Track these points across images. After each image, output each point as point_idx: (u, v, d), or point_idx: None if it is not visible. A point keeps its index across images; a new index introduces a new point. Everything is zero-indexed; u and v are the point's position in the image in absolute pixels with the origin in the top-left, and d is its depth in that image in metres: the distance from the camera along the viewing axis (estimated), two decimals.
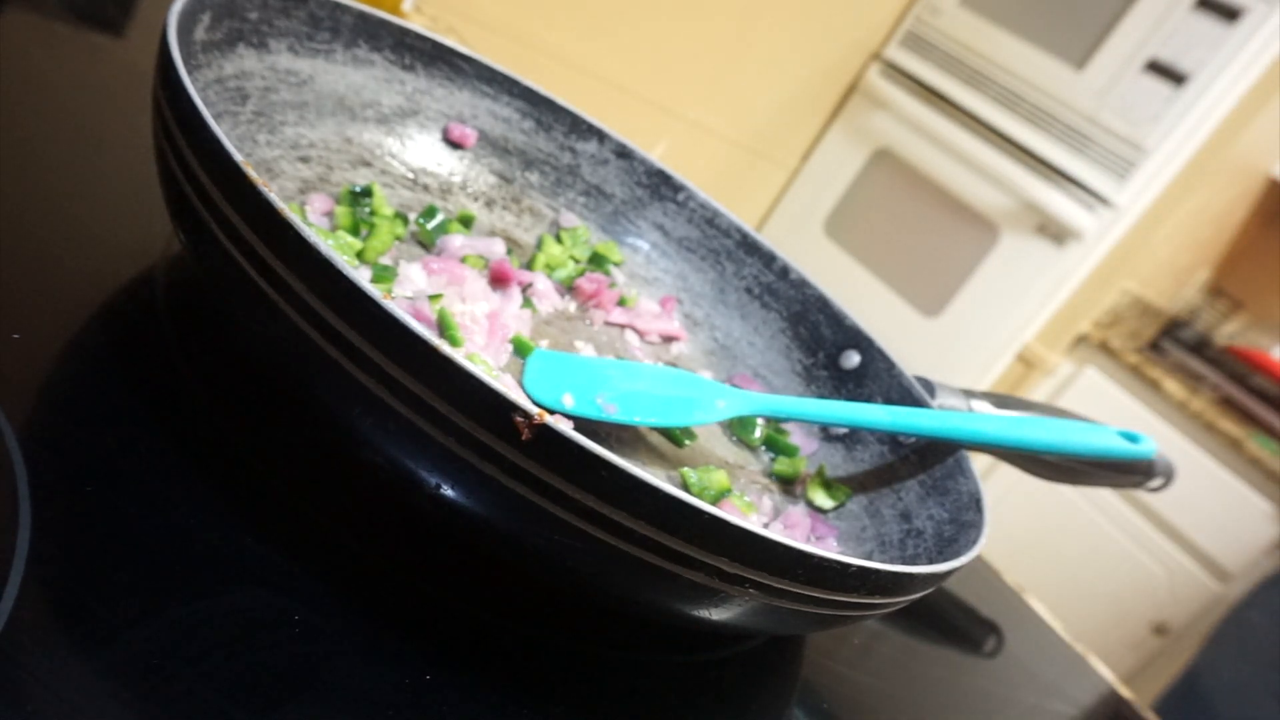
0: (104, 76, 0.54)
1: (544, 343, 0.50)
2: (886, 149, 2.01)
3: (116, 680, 0.25)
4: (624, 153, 0.61)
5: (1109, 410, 1.75)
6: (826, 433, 0.55)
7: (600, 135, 0.60)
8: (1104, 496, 1.74)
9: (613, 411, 0.44)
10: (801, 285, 0.59)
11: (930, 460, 0.49)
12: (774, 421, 0.54)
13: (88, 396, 0.33)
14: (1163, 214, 1.73)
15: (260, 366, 0.35)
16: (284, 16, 0.47)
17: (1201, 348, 1.97)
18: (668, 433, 0.48)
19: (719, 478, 0.45)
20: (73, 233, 0.40)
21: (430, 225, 0.52)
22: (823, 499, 0.50)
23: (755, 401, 0.49)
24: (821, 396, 0.57)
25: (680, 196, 0.61)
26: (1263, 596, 1.39)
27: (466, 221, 0.55)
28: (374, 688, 0.29)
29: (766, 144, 2.09)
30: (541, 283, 0.54)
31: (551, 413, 0.32)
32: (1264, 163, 1.86)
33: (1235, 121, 1.64)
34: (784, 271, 0.60)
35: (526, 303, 0.52)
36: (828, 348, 0.57)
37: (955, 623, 0.58)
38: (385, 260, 0.47)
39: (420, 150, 0.56)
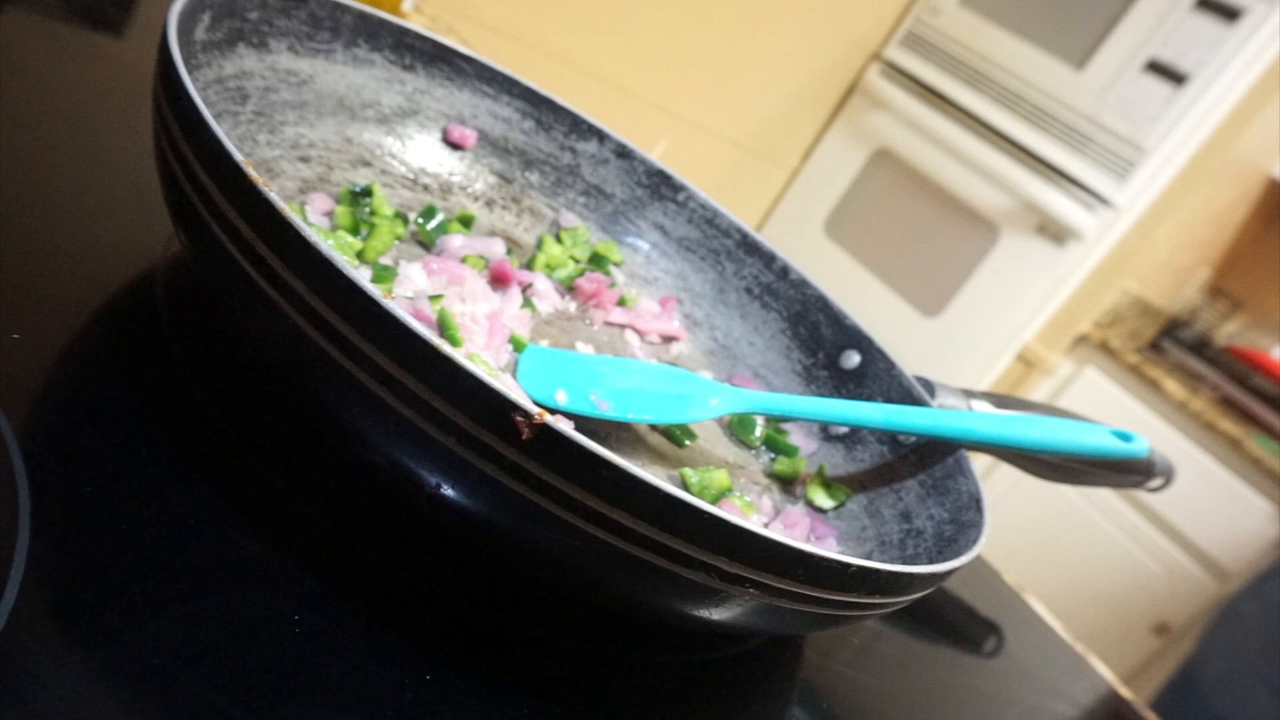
0: (104, 76, 0.54)
1: (544, 342, 0.50)
2: (886, 149, 2.01)
3: (116, 680, 0.25)
4: (624, 153, 0.61)
5: (1109, 410, 1.75)
6: (826, 433, 0.55)
7: (600, 135, 0.60)
8: (1104, 496, 1.74)
9: (606, 408, 0.44)
10: (801, 285, 0.59)
11: (930, 460, 0.49)
12: (774, 421, 0.54)
13: (88, 396, 0.33)
14: (1163, 214, 1.73)
15: (260, 366, 0.35)
16: (284, 16, 0.47)
17: (1201, 348, 1.97)
18: (668, 433, 0.48)
19: (719, 478, 0.45)
20: (73, 233, 0.40)
21: (430, 225, 0.52)
22: (823, 499, 0.50)
23: (750, 399, 0.49)
24: (822, 396, 0.57)
25: (680, 196, 0.61)
26: (1254, 588, 1.39)
27: (466, 221, 0.55)
28: (374, 688, 0.29)
29: (766, 144, 2.09)
30: (541, 283, 0.54)
31: (552, 412, 0.32)
32: (1264, 163, 1.86)
33: (1235, 121, 1.64)
34: (784, 271, 0.60)
35: (526, 303, 0.52)
36: (828, 348, 0.57)
37: (955, 623, 0.58)
38: (385, 260, 0.47)
39: (420, 150, 0.56)
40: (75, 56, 0.54)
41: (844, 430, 0.54)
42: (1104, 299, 1.80)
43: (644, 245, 0.62)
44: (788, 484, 0.51)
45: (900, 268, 1.96)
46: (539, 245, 0.57)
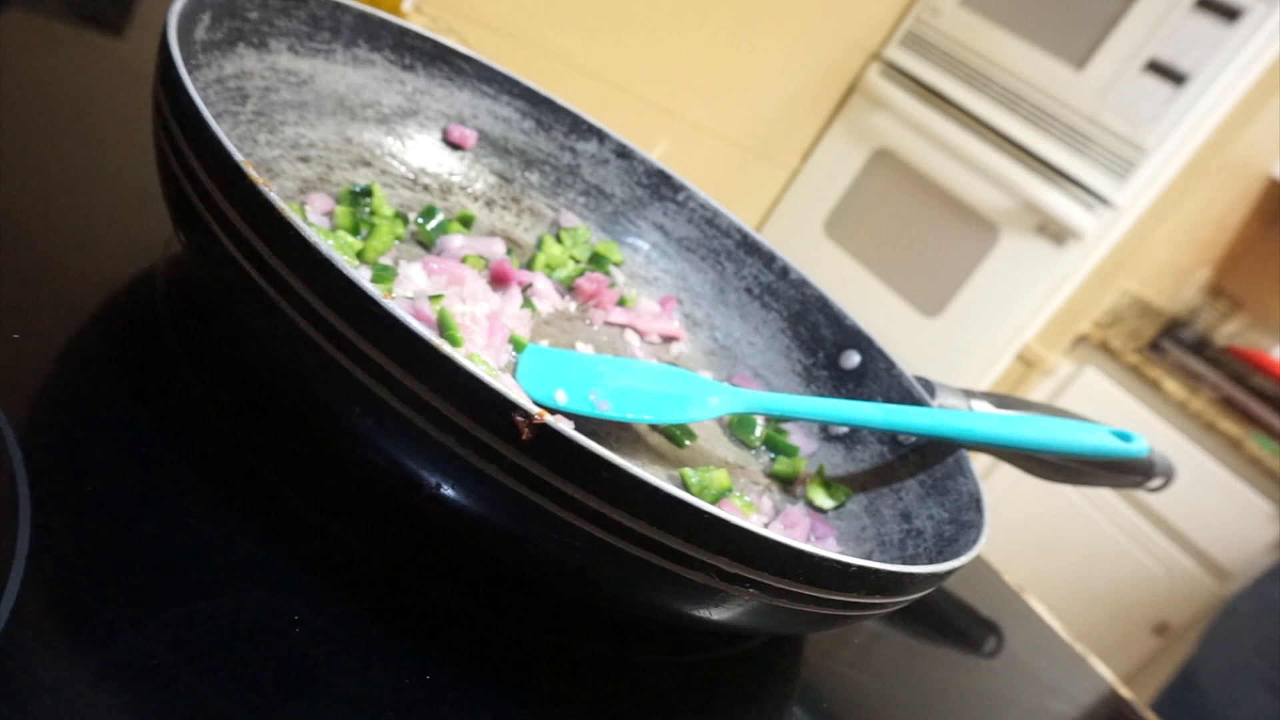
0: (104, 76, 0.54)
1: (544, 342, 0.50)
2: (886, 149, 2.01)
3: (116, 680, 0.25)
4: (624, 153, 0.61)
5: (1109, 410, 1.75)
6: (826, 433, 0.55)
7: (600, 135, 0.60)
8: (1104, 496, 1.74)
9: (605, 408, 0.44)
10: (801, 285, 0.59)
11: (930, 460, 0.49)
12: (774, 421, 0.54)
13: (88, 396, 0.33)
14: (1163, 214, 1.73)
15: (260, 366, 0.35)
16: (284, 16, 0.47)
17: (1201, 348, 1.97)
18: (668, 433, 0.48)
19: (719, 478, 0.45)
20: (73, 233, 0.40)
21: (430, 225, 0.52)
22: (823, 499, 0.50)
23: (749, 399, 0.49)
24: (822, 396, 0.57)
25: (680, 196, 0.61)
26: (1254, 589, 1.39)
27: (466, 221, 0.55)
28: (374, 688, 0.29)
29: (766, 144, 2.09)
30: (541, 283, 0.54)
31: (552, 412, 0.32)
32: (1264, 163, 1.86)
33: (1235, 121, 1.64)
34: (784, 271, 0.60)
35: (526, 303, 0.52)
36: (828, 348, 0.57)
37: (955, 623, 0.58)
38: (385, 260, 0.47)
39: (420, 150, 0.56)
40: (75, 56, 0.54)
41: (844, 430, 0.54)
42: (1104, 299, 1.80)
43: (644, 245, 0.62)
44: (788, 484, 0.51)
45: (900, 268, 1.96)
46: (539, 245, 0.57)
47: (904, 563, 0.44)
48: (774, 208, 2.21)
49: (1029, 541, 1.77)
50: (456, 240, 0.52)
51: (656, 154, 0.61)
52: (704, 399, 0.48)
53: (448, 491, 0.30)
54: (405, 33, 0.53)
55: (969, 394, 0.54)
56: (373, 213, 0.49)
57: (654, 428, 0.48)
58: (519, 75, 0.58)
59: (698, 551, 0.29)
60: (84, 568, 0.27)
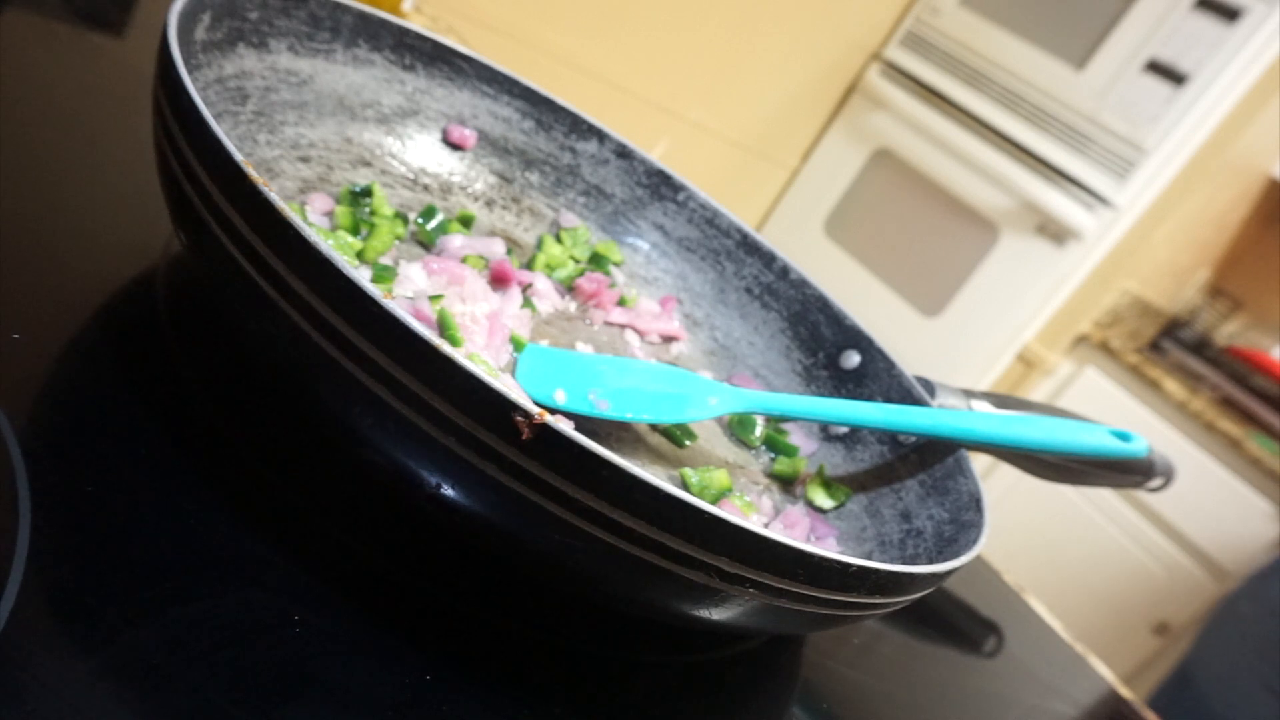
0: (104, 76, 0.54)
1: (544, 342, 0.50)
2: (886, 149, 2.01)
3: (116, 680, 0.25)
4: (624, 153, 0.61)
5: (1109, 410, 1.75)
6: (826, 433, 0.55)
7: (600, 135, 0.60)
8: (1104, 496, 1.74)
9: (605, 408, 0.44)
10: (801, 285, 0.59)
11: (930, 460, 0.49)
12: (774, 421, 0.54)
13: (88, 396, 0.33)
14: (1163, 214, 1.73)
15: (260, 366, 0.35)
16: (284, 16, 0.47)
17: (1201, 348, 1.97)
18: (668, 433, 0.48)
19: (719, 478, 0.45)
20: (73, 233, 0.40)
21: (430, 225, 0.52)
22: (823, 499, 0.50)
23: (748, 398, 0.49)
24: (822, 396, 0.57)
25: (680, 196, 0.61)
26: (1252, 588, 1.39)
27: (466, 221, 0.55)
28: (374, 688, 0.29)
29: (766, 144, 2.09)
30: (541, 283, 0.54)
31: (552, 412, 0.32)
32: (1264, 163, 1.86)
33: (1235, 121, 1.64)
34: (784, 271, 0.60)
35: (526, 303, 0.52)
36: (828, 348, 0.57)
37: (955, 623, 0.58)
38: (385, 260, 0.47)
39: (420, 150, 0.56)
40: (75, 56, 0.54)
41: (844, 430, 0.54)
42: (1104, 299, 1.80)
43: (644, 245, 0.62)
44: (788, 484, 0.51)
45: (900, 268, 1.96)
46: (539, 245, 0.57)
47: (904, 563, 0.44)
48: (774, 208, 2.21)
49: (1029, 541, 1.77)
50: (456, 240, 0.52)
51: (656, 154, 0.62)
52: (704, 399, 0.48)
53: (448, 491, 0.30)
54: (405, 33, 0.53)
55: (969, 394, 0.54)
56: (373, 213, 0.49)
57: (654, 428, 0.48)
58: (519, 75, 0.58)
59: (698, 551, 0.29)
60: (84, 568, 0.27)
